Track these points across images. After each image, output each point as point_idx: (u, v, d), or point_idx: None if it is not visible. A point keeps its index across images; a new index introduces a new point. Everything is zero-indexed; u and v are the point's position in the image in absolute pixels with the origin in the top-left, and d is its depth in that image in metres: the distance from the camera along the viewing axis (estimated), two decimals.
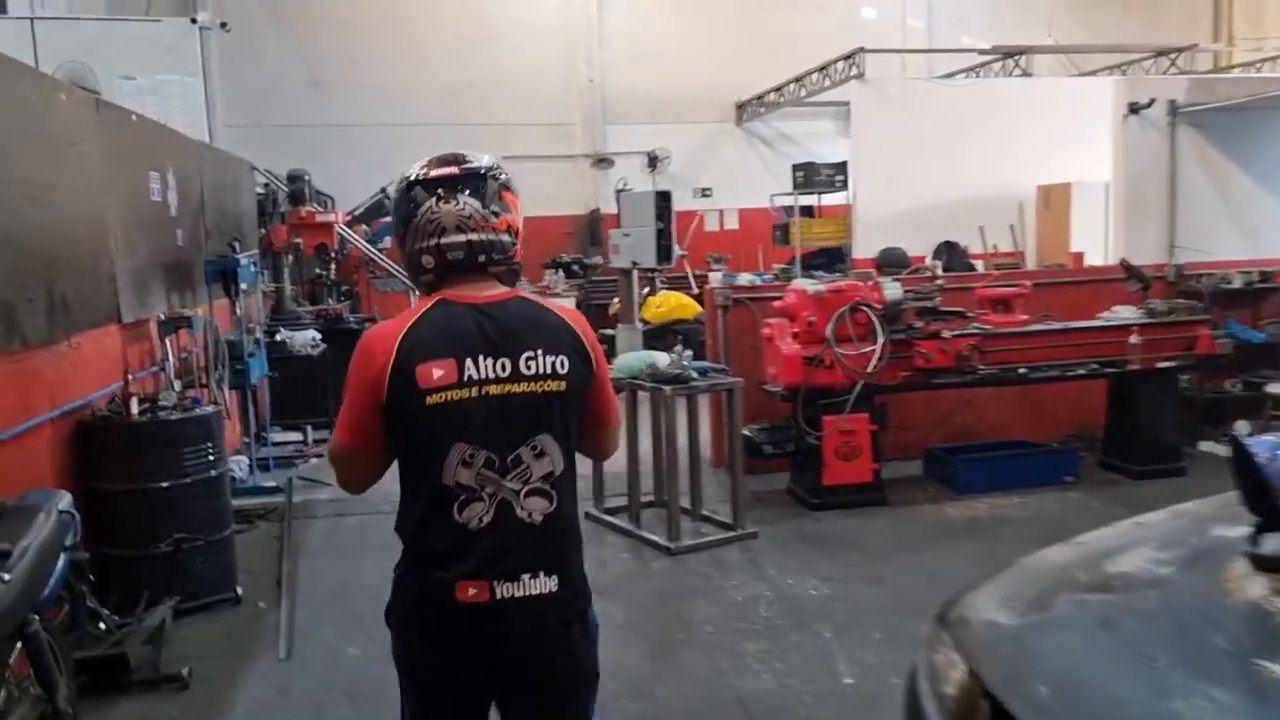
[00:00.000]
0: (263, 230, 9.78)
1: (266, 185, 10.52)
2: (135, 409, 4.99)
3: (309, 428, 8.88)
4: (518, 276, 2.38)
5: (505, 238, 2.27)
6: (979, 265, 12.40)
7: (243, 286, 7.12)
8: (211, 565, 5.12)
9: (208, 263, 6.98)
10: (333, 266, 10.14)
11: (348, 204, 12.39)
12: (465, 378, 2.17)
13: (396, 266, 11.37)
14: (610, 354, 10.28)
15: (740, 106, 17.09)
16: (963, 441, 7.36)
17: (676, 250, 5.82)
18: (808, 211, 13.52)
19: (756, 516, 6.15)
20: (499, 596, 2.16)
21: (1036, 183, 12.50)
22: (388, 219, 12.81)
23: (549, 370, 2.22)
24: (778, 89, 15.84)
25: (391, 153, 15.99)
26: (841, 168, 12.79)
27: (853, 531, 6.10)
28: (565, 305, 2.51)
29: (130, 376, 5.44)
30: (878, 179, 12.43)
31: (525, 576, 2.18)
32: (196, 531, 5.00)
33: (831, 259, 13.39)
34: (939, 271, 11.41)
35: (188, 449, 5.01)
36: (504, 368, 2.20)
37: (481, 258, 2.25)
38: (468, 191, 2.24)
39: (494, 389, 2.19)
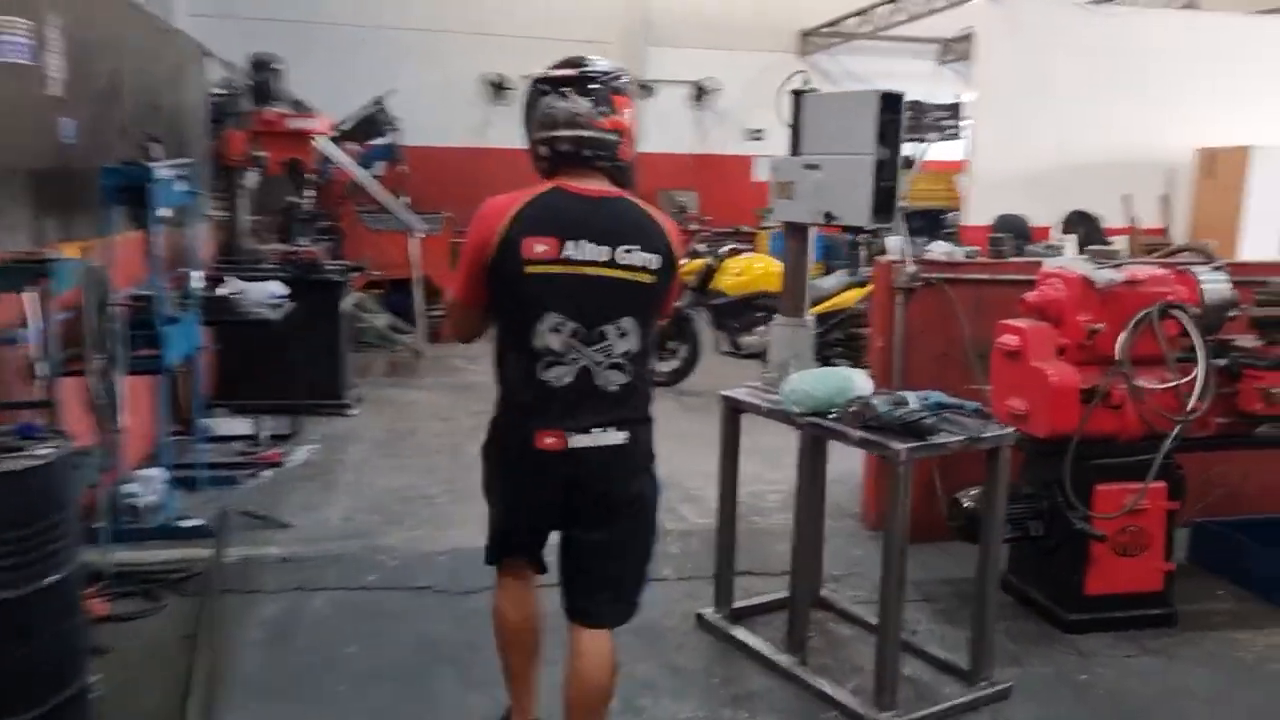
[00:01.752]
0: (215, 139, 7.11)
1: (229, 83, 7.81)
2: None
3: (266, 418, 6.33)
4: (628, 176, 2.60)
5: (611, 136, 2.53)
6: (1120, 242, 9.94)
7: (162, 212, 4.52)
8: None
9: (104, 173, 4.35)
10: (309, 194, 7.50)
11: (335, 117, 9.70)
12: (564, 255, 2.45)
13: (393, 198, 8.74)
14: (743, 358, 7.70)
15: (806, 35, 14.39)
16: (1237, 514, 4.88)
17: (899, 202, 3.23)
18: (907, 164, 10.94)
19: (965, 634, 3.65)
20: (571, 446, 2.50)
21: (1195, 145, 9.99)
22: (384, 139, 10.32)
23: (641, 264, 2.51)
24: (861, 12, 13.17)
25: (391, 60, 13.29)
26: (954, 111, 10.23)
27: (1154, 690, 3.65)
28: (665, 216, 2.63)
29: None
30: (999, 128, 9.92)
31: (596, 430, 2.50)
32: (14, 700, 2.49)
33: (931, 224, 10.90)
34: (1071, 248, 9.02)
35: None
36: (603, 254, 2.47)
37: (587, 152, 2.51)
38: (581, 92, 2.50)
39: (590, 270, 2.46)
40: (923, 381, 4.74)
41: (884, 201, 3.45)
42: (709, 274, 7.97)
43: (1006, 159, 10.03)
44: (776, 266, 8.31)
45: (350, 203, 9.56)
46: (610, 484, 2.58)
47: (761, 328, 7.85)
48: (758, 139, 14.51)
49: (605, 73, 2.54)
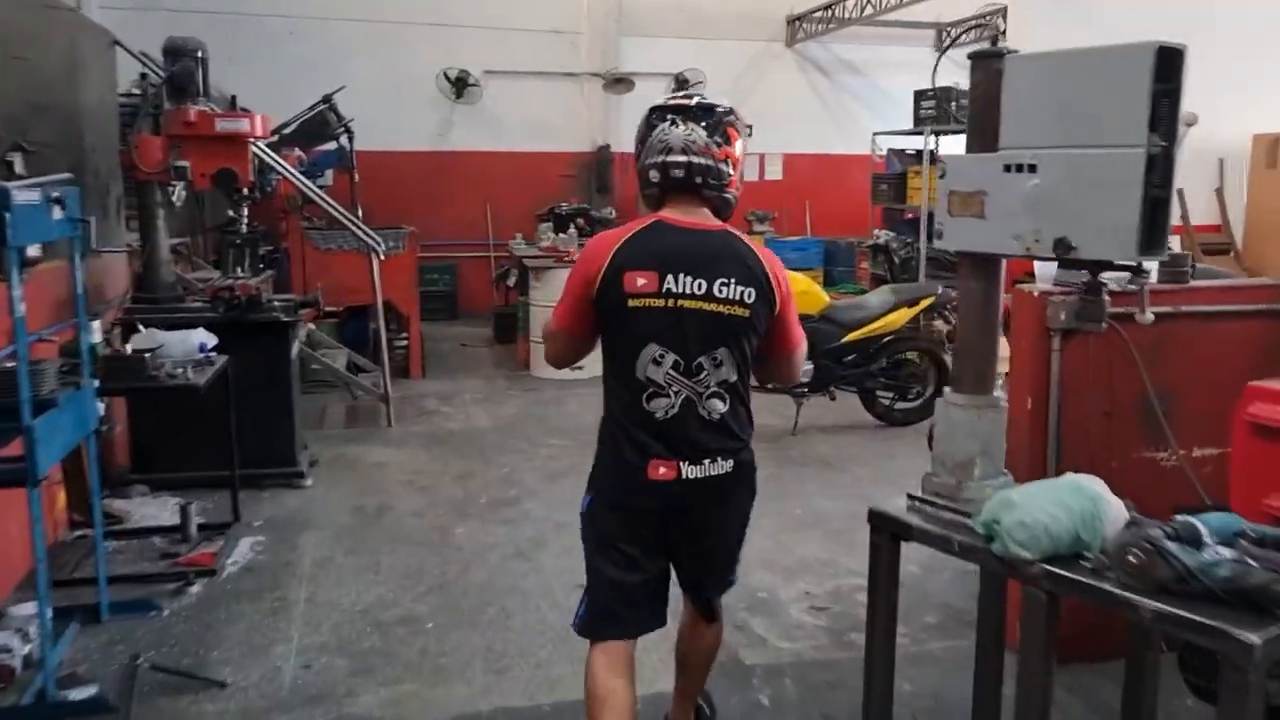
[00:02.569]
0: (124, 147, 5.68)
1: (144, 78, 6.37)
2: None
3: (196, 496, 4.94)
4: (731, 209, 2.63)
5: (723, 166, 2.55)
6: (1174, 244, 8.85)
7: (30, 252, 3.15)
8: None
9: None
10: (245, 210, 6.07)
11: (276, 118, 8.27)
12: (664, 289, 2.49)
13: (347, 211, 7.35)
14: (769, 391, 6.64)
15: (794, 22, 13.19)
16: None
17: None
18: (916, 159, 9.79)
19: None
20: (684, 476, 2.53)
21: (1253, 132, 8.92)
22: (333, 144, 8.89)
23: (737, 297, 2.51)
24: None
25: (339, 55, 11.66)
26: None
27: None
28: (763, 248, 2.63)
29: None
30: None
31: (705, 461, 2.54)
32: None
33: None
34: None
35: None
36: (700, 287, 2.49)
37: (698, 179, 2.54)
38: (697, 120, 2.54)
39: (688, 303, 2.49)
40: (1083, 452, 3.55)
41: (1156, 221, 2.18)
42: None
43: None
44: (813, 285, 7.13)
45: (295, 219, 8.16)
46: (721, 508, 2.66)
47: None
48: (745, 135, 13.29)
49: (722, 106, 2.60)
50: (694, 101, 2.58)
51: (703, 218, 2.57)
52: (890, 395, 7.08)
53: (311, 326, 7.50)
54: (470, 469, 6.06)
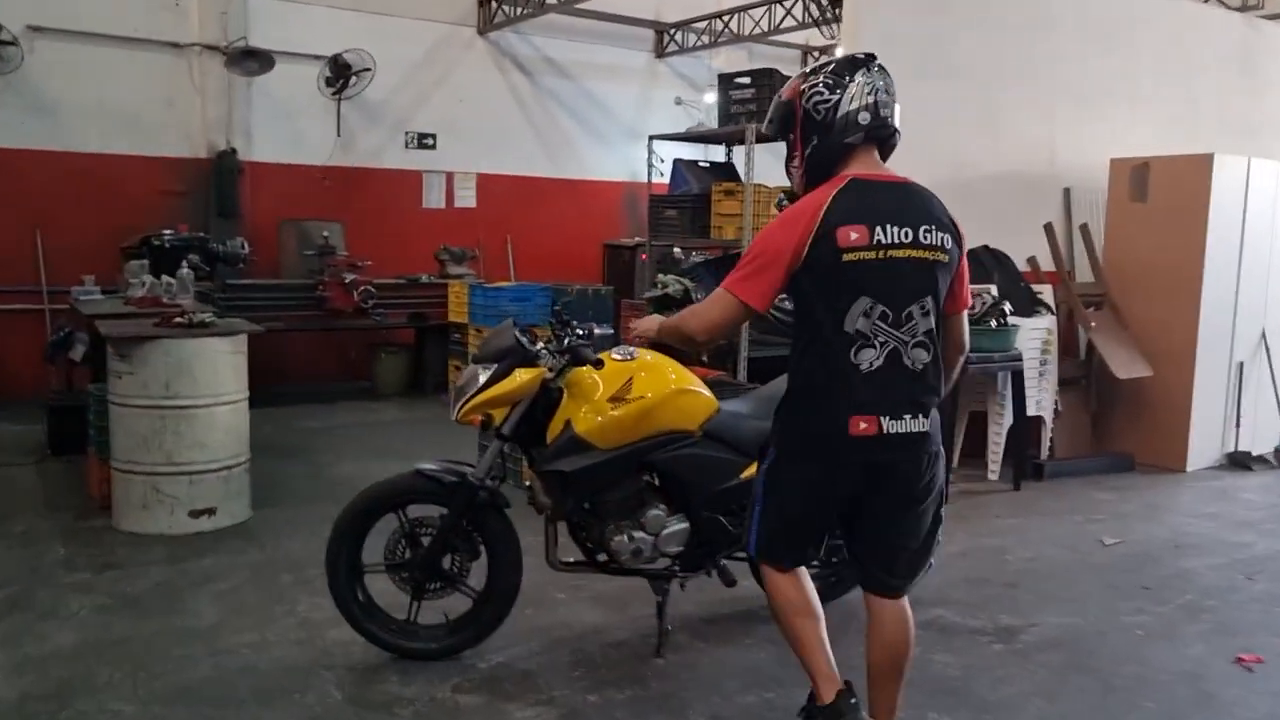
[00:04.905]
0: None
1: None
2: None
3: None
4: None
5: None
6: (1046, 293, 6.75)
7: None
8: None
9: None
10: None
11: None
12: (875, 241, 2.54)
13: None
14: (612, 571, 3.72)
15: (487, 3, 10.08)
16: None
17: None
18: (724, 173, 6.97)
19: None
20: (885, 431, 2.56)
21: (1110, 155, 7.06)
22: None
23: (939, 243, 2.60)
24: None
25: None
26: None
27: None
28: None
29: None
30: None
31: (906, 416, 2.58)
32: None
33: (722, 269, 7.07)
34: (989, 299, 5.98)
35: None
36: (907, 235, 2.56)
37: (893, 124, 2.67)
38: (882, 71, 2.67)
39: (897, 253, 2.56)
40: None
41: None
42: (548, 402, 3.43)
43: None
44: (680, 376, 3.82)
45: None
46: (915, 469, 2.64)
47: (664, 519, 3.53)
48: (428, 147, 9.96)
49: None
50: (864, 55, 2.68)
51: (886, 171, 2.69)
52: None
53: None
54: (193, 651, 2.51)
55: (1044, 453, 6.63)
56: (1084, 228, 7.05)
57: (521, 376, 3.36)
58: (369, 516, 3.50)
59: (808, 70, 2.69)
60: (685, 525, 3.57)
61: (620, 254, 10.33)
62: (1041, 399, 6.45)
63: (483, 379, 3.37)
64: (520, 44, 10.43)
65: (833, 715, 2.69)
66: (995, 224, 6.93)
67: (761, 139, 6.04)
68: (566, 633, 3.82)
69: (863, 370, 2.54)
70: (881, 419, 2.54)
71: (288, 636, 3.72)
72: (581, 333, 3.47)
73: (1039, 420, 6.52)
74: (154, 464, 4.81)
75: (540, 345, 3.47)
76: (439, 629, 3.57)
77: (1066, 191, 7.36)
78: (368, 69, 9.17)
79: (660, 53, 11.27)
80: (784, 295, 2.67)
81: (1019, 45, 6.99)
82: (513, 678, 3.43)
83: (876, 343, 2.54)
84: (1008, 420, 6.28)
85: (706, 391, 3.61)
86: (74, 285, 6.92)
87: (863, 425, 2.54)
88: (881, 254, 2.53)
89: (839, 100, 2.60)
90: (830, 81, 2.62)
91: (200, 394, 4.84)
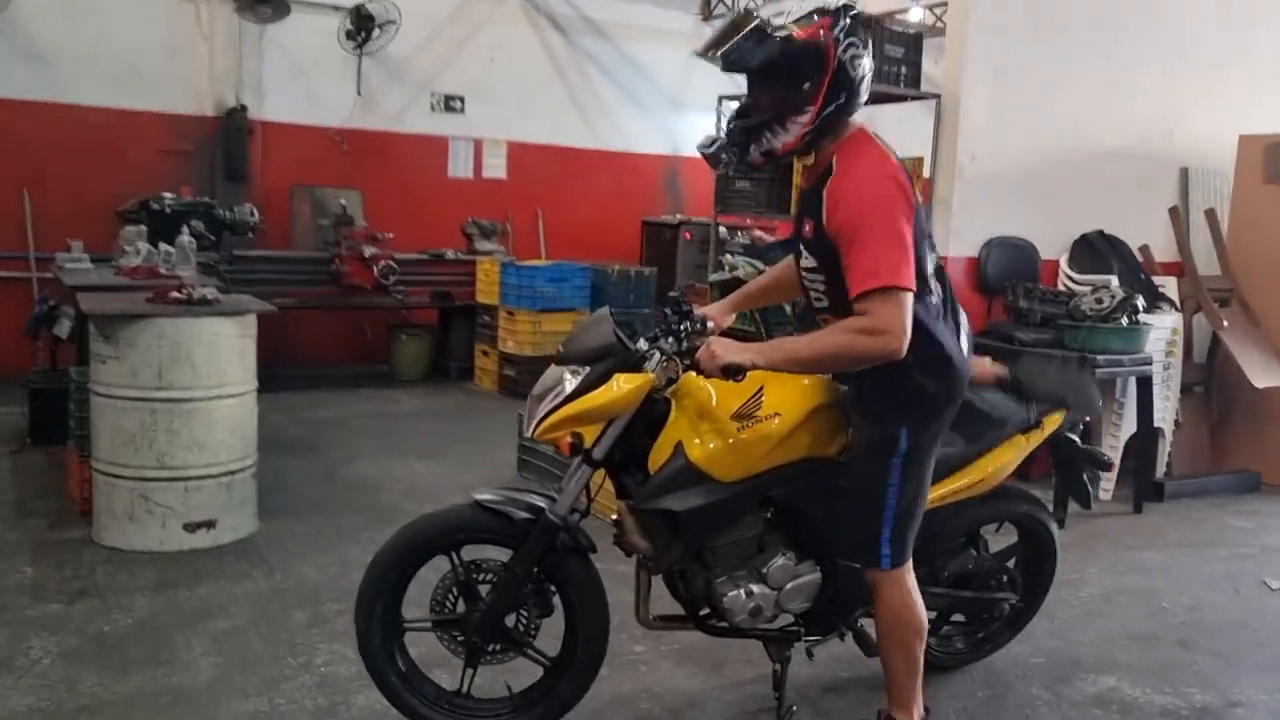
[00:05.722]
0: None
1: None
2: None
3: None
4: None
5: None
6: (1168, 286, 5.94)
7: None
8: None
9: None
10: None
11: None
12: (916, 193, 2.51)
13: None
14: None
15: None
16: None
17: None
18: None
19: None
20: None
21: (1239, 131, 6.21)
22: None
23: None
24: None
25: None
26: (917, 44, 5.70)
27: None
28: None
29: None
30: (992, 92, 5.62)
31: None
32: None
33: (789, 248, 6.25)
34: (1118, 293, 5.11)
35: None
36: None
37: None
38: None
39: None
40: None
41: None
42: (649, 416, 2.60)
43: (998, 143, 5.69)
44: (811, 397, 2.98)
45: None
46: None
47: (793, 569, 2.73)
48: (455, 110, 9.12)
49: None
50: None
51: None
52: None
53: None
54: None
55: (1160, 469, 5.80)
56: (1210, 213, 6.20)
57: (623, 385, 2.52)
58: (413, 559, 2.68)
59: (822, 10, 2.38)
60: (817, 575, 2.77)
61: (661, 233, 9.48)
62: (1163, 408, 5.62)
63: (570, 386, 2.53)
64: (559, 3, 9.56)
65: None
66: (1108, 207, 6.13)
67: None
68: (655, 706, 3.02)
69: (946, 309, 2.56)
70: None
71: (303, 703, 2.92)
72: (698, 328, 2.65)
73: (1158, 433, 5.69)
74: (143, 467, 4.01)
75: (643, 342, 2.64)
76: (500, 704, 2.76)
77: (1184, 172, 6.51)
78: (392, 21, 8.32)
79: (707, 15, 10.36)
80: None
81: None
82: None
83: (936, 284, 2.53)
84: (1126, 431, 5.47)
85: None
86: (59, 251, 6.12)
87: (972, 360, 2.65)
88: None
89: (866, 60, 2.43)
90: (862, 37, 2.42)
91: (199, 384, 4.03)
